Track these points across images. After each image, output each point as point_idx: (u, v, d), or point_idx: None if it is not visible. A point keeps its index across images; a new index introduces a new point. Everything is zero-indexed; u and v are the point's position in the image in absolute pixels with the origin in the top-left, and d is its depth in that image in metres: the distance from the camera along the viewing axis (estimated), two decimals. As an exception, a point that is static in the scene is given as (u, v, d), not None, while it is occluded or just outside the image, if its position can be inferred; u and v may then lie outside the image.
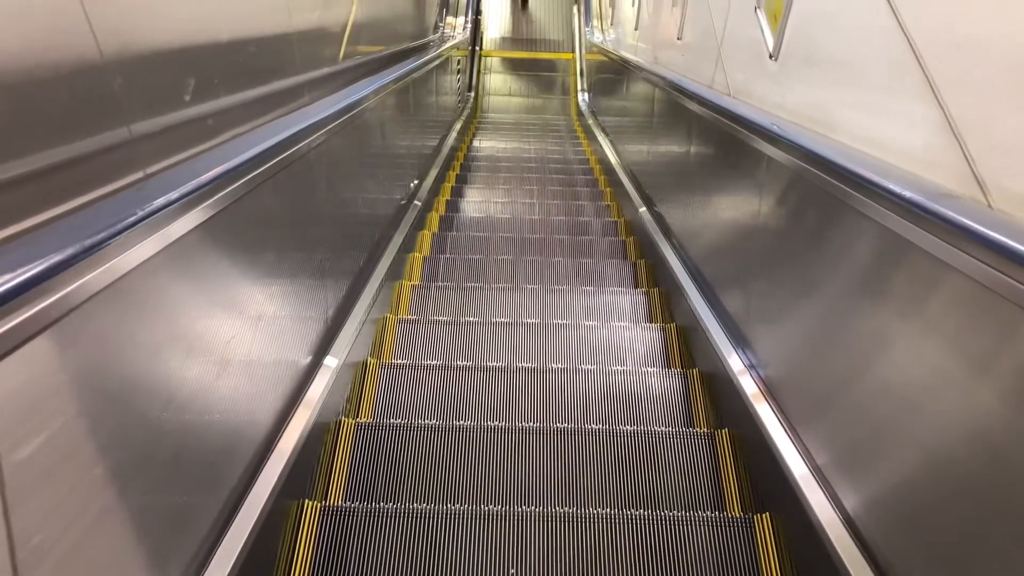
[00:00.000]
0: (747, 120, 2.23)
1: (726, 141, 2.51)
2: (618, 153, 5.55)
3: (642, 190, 4.32)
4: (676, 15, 3.73)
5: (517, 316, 3.16)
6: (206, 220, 1.27)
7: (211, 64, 1.45)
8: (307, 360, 2.05)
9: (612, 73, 6.44)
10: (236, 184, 1.40)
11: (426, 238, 4.00)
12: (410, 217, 3.79)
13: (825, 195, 1.65)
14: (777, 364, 2.01)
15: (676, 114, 3.48)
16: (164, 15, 1.27)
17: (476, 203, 5.00)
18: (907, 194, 1.28)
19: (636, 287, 3.52)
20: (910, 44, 1.41)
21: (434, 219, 4.38)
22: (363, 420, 2.29)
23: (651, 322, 3.13)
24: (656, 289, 3.35)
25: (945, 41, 1.34)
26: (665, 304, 3.24)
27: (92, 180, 1.03)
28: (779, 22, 2.18)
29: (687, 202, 3.26)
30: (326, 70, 2.31)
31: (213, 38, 1.48)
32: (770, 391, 2.02)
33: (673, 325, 2.96)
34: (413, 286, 3.31)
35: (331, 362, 2.19)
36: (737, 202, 2.52)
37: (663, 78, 3.67)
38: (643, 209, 4.07)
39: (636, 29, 5.36)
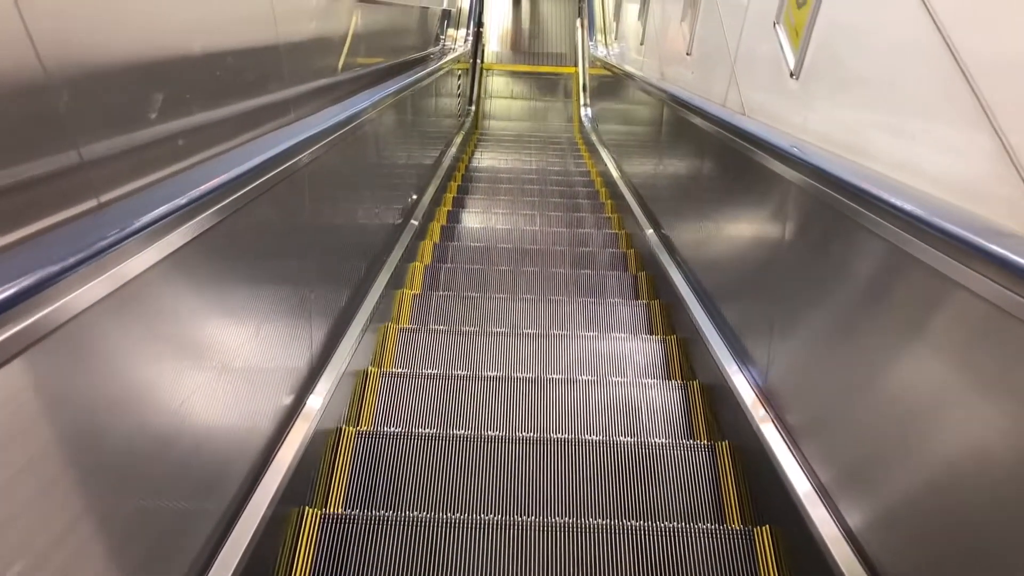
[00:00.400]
0: (764, 140, 2.14)
1: (738, 160, 2.45)
2: (620, 167, 5.56)
3: (644, 204, 4.32)
4: (685, 30, 3.68)
5: (518, 326, 3.16)
6: (208, 229, 1.26)
7: (183, 78, 1.33)
8: (309, 368, 2.04)
9: (616, 88, 6.45)
10: (241, 192, 1.40)
11: (427, 248, 4.00)
12: (411, 228, 3.80)
13: (842, 217, 1.60)
14: (780, 378, 2.01)
15: (684, 131, 3.46)
16: (122, 23, 1.14)
17: (477, 215, 5.01)
18: (950, 227, 1.16)
19: (637, 299, 3.52)
20: (957, 62, 1.29)
21: (435, 230, 4.39)
22: (364, 428, 2.28)
23: (651, 334, 3.13)
24: (657, 301, 3.36)
25: (999, 58, 1.22)
26: (666, 316, 3.24)
27: (42, 207, 0.91)
28: (801, 38, 2.05)
29: (691, 216, 3.26)
30: (325, 81, 2.32)
31: (185, 49, 1.35)
32: (772, 404, 2.02)
33: (674, 337, 2.96)
34: (414, 295, 3.31)
35: (332, 370, 2.19)
36: (744, 219, 2.52)
37: (671, 94, 3.63)
38: (645, 222, 4.08)
39: (642, 44, 5.36)
